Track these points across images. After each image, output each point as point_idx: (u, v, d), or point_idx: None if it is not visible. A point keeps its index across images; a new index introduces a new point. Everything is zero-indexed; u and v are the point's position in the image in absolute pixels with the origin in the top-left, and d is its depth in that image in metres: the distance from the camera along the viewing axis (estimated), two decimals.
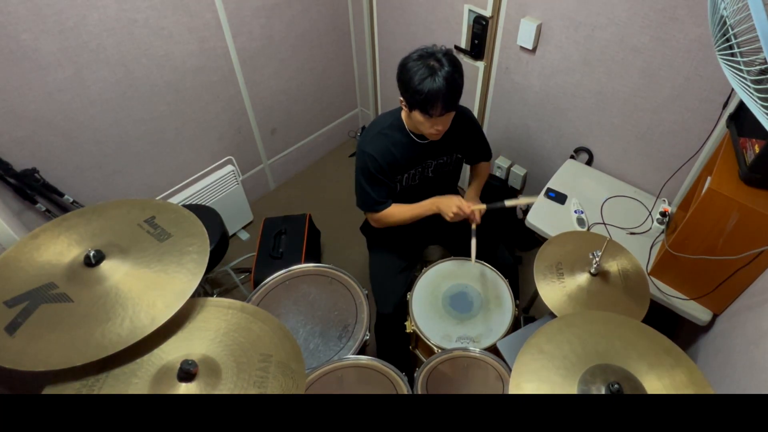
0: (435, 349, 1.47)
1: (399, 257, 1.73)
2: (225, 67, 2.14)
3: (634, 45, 1.59)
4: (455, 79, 1.32)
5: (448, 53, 1.34)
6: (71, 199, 1.86)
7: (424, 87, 1.29)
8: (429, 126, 1.40)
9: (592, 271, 1.33)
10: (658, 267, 1.54)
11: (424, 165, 1.61)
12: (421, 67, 1.30)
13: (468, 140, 1.65)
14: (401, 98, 1.41)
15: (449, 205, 1.49)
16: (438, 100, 1.31)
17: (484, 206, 1.55)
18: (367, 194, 1.54)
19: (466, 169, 2.59)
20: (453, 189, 1.87)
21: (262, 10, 2.13)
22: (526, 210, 2.26)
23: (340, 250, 2.47)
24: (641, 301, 1.32)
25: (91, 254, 0.97)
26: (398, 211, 1.58)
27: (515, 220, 2.30)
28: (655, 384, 0.99)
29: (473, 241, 1.58)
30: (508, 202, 1.53)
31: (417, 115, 1.37)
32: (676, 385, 0.99)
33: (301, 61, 2.46)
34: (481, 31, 1.98)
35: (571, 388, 0.99)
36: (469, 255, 1.59)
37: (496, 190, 2.32)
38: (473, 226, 1.61)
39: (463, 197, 1.78)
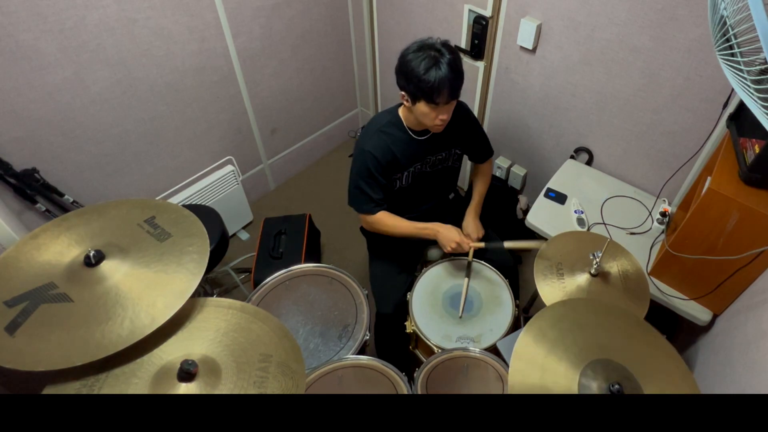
0: (435, 349, 1.47)
1: (400, 257, 1.73)
2: (225, 67, 2.13)
3: (634, 45, 1.59)
4: (458, 66, 1.35)
5: (445, 43, 1.37)
6: (71, 199, 1.86)
7: (430, 76, 1.31)
8: (434, 117, 1.40)
9: (592, 271, 1.33)
10: (658, 267, 1.54)
11: (423, 162, 1.61)
12: (424, 58, 1.32)
13: (467, 134, 1.65)
14: (402, 93, 1.41)
15: (449, 239, 1.51)
16: (445, 87, 1.33)
17: (482, 245, 1.58)
18: (363, 193, 1.54)
19: (465, 168, 2.59)
20: (452, 187, 1.87)
21: (262, 10, 2.13)
22: (526, 210, 2.26)
23: (340, 250, 2.47)
24: (641, 301, 1.32)
25: (91, 254, 0.97)
26: (394, 223, 1.57)
27: (515, 220, 2.30)
28: (650, 387, 0.99)
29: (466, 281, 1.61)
30: (507, 244, 1.56)
31: (422, 106, 1.38)
32: (670, 386, 1.00)
33: (301, 61, 2.46)
34: (481, 31, 1.98)
35: (572, 379, 0.99)
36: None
37: (496, 190, 2.32)
38: (470, 257, 1.64)
39: (461, 198, 1.79)
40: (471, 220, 1.69)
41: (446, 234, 1.52)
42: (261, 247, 2.06)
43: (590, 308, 1.14)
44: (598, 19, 1.63)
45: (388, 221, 1.57)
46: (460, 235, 1.52)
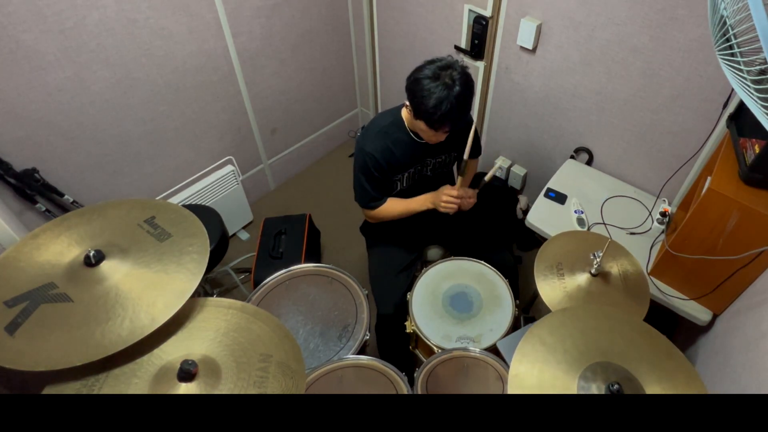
0: (435, 349, 1.47)
1: (399, 256, 1.73)
2: (225, 67, 2.13)
3: (634, 45, 1.59)
4: (467, 102, 1.35)
5: (463, 72, 1.34)
6: (71, 199, 1.86)
7: (437, 110, 1.31)
8: (431, 135, 1.43)
9: (593, 271, 1.33)
10: (658, 267, 1.54)
11: (423, 164, 1.62)
12: (437, 87, 1.30)
13: (464, 138, 1.65)
14: (407, 103, 1.41)
15: (438, 197, 1.54)
16: (447, 122, 1.35)
17: (470, 191, 1.59)
18: (365, 191, 1.57)
19: None
20: None
21: (262, 10, 2.13)
22: (526, 210, 2.26)
23: (340, 250, 2.47)
24: (641, 301, 1.32)
25: (91, 254, 0.97)
26: (392, 207, 1.62)
27: (515, 220, 2.30)
28: (654, 387, 0.99)
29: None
30: (487, 177, 1.56)
31: (421, 124, 1.39)
32: (675, 389, 0.99)
33: (301, 61, 2.46)
34: (481, 31, 1.98)
35: (571, 382, 0.99)
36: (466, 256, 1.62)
37: (496, 190, 2.32)
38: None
39: None
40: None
41: (437, 195, 1.56)
42: (261, 247, 2.06)
43: (590, 313, 1.14)
44: (598, 19, 1.63)
45: (387, 207, 1.62)
46: (446, 187, 1.56)
